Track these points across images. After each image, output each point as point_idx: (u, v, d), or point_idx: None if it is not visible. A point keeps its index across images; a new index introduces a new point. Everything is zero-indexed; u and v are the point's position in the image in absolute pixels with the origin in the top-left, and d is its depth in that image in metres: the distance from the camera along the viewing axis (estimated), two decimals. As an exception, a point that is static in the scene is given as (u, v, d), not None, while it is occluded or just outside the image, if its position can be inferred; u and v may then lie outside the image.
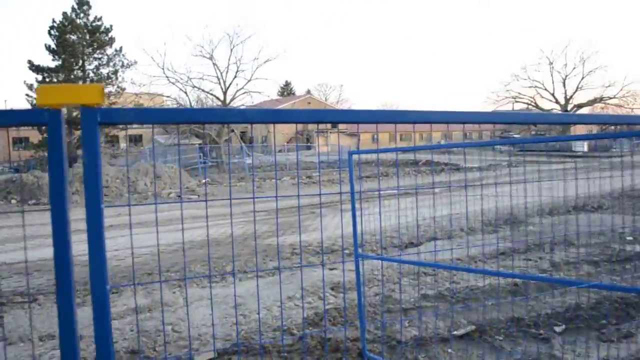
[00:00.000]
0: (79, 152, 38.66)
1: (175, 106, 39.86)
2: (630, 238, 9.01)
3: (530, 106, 67.34)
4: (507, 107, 69.15)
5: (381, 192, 6.18)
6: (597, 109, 67.35)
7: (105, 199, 18.17)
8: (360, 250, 4.36)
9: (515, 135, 68.88)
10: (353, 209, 4.20)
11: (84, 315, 5.54)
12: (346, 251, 8.56)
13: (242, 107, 42.40)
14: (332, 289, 6.26)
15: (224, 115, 1.92)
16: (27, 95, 37.70)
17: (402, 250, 8.50)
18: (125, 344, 4.70)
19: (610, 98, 60.40)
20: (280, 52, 35.08)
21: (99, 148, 1.52)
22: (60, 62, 38.34)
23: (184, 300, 6.02)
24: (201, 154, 34.30)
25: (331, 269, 7.34)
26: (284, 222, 12.39)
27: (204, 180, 23.93)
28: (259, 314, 5.19)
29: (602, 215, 11.28)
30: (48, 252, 9.71)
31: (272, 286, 6.50)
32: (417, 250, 8.28)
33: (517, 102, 65.08)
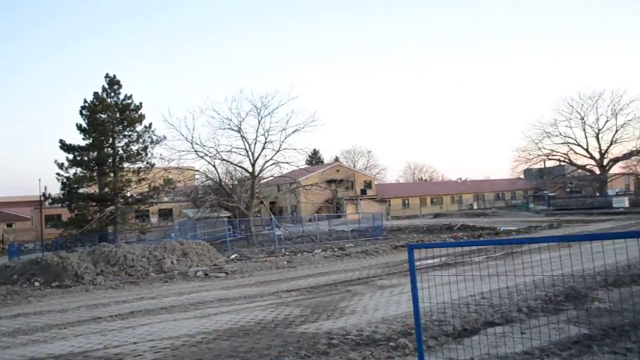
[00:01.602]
0: (109, 229, 38.52)
1: (205, 180, 39.76)
2: None
3: (563, 163, 65.55)
4: (539, 165, 67.54)
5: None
6: (635, 161, 65.12)
7: (130, 278, 17.44)
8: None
9: (549, 193, 66.98)
10: (415, 301, 3.29)
11: None
12: (391, 343, 7.44)
13: (271, 178, 42.17)
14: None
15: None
16: (57, 174, 38.01)
17: (456, 340, 7.34)
18: None
19: (648, 149, 58.10)
20: (308, 121, 34.74)
21: None
22: (90, 141, 38.86)
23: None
24: (230, 227, 33.63)
25: (378, 372, 6.24)
26: (318, 304, 11.32)
27: (232, 256, 23.07)
28: None
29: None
30: (62, 346, 8.84)
31: (309, 398, 5.44)
32: (475, 341, 7.10)
33: (549, 159, 63.29)
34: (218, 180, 37.95)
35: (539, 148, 62.30)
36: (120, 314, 11.67)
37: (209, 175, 38.48)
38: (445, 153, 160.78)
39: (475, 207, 73.78)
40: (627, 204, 48.89)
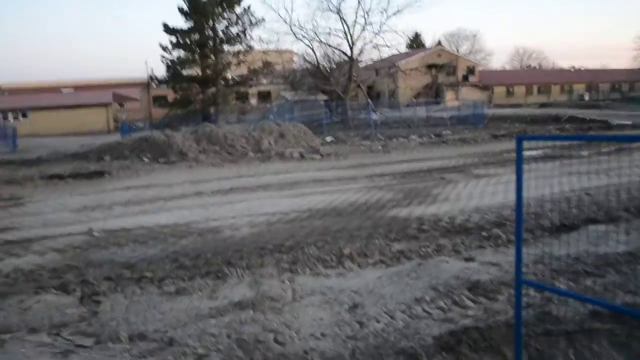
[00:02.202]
0: (211, 110, 39.95)
1: (303, 63, 39.56)
2: None
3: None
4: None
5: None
6: None
7: (230, 157, 18.20)
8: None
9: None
10: (519, 191, 3.12)
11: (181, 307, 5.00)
12: (483, 233, 7.31)
13: (370, 61, 41.15)
14: (470, 289, 5.13)
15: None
16: (162, 56, 39.20)
17: (553, 235, 7.07)
18: (217, 357, 4.00)
19: None
20: (411, 1, 32.84)
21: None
22: (192, 24, 39.31)
23: (293, 293, 5.25)
24: (327, 110, 33.71)
25: (467, 259, 6.18)
26: (411, 190, 11.28)
27: (328, 139, 23.29)
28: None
29: None
30: (168, 217, 9.53)
31: (397, 280, 5.52)
32: (574, 237, 6.79)
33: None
34: (316, 63, 37.61)
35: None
36: (221, 189, 12.30)
37: (307, 58, 38.18)
38: (558, 38, 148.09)
39: (586, 98, 68.65)
40: None
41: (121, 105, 52.93)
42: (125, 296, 5.44)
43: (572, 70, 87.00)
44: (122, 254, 7.18)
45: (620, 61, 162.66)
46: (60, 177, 15.19)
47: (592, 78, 79.35)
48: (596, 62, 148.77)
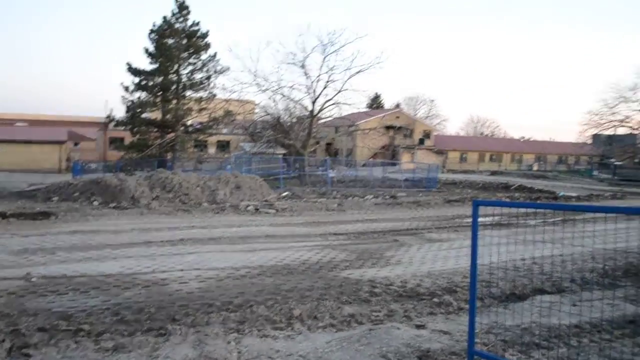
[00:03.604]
0: (168, 156, 39.51)
1: (264, 115, 39.87)
2: None
3: (636, 131, 61.95)
4: (610, 132, 64.09)
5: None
6: None
7: (184, 206, 17.87)
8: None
9: (616, 162, 63.92)
10: (474, 256, 3.10)
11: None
12: (435, 299, 7.29)
13: (330, 118, 41.82)
14: (420, 359, 5.04)
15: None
16: (122, 97, 38.85)
17: (503, 304, 7.11)
18: None
19: None
20: (373, 62, 34.01)
21: None
22: (156, 66, 39.30)
23: (238, 356, 5.04)
24: (285, 164, 33.83)
25: (418, 326, 6.11)
26: (364, 250, 11.25)
27: (284, 193, 23.23)
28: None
29: None
30: (113, 266, 9.15)
31: (347, 346, 5.37)
32: (523, 307, 6.84)
33: (622, 126, 59.84)
34: (277, 116, 37.99)
35: (613, 113, 58.85)
36: (171, 240, 11.97)
37: (269, 110, 38.55)
38: (510, 110, 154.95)
39: (535, 168, 71.28)
40: None
41: (76, 144, 51.78)
42: (58, 350, 5.10)
43: (522, 140, 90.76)
44: (60, 303, 6.80)
45: (567, 134, 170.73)
46: (2, 215, 14.54)
47: (541, 149, 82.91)
48: (545, 134, 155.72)
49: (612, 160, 66.44)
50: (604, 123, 59.84)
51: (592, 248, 10.70)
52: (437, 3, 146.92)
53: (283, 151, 41.43)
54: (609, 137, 69.60)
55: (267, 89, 36.15)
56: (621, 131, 63.53)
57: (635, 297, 7.60)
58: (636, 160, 68.05)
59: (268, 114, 38.90)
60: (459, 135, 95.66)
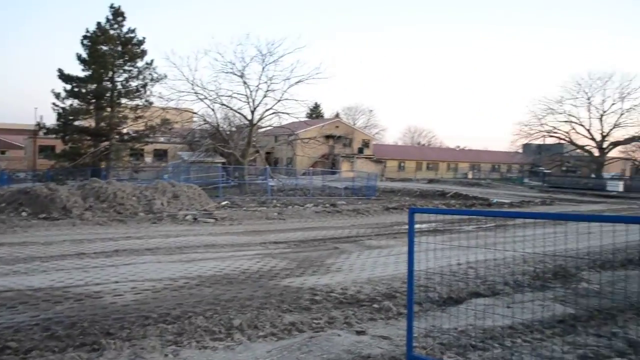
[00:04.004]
0: (102, 165, 38.23)
1: (202, 123, 39.30)
2: None
3: (563, 141, 65.19)
4: (539, 141, 67.09)
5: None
6: (634, 147, 65.02)
7: (119, 216, 17.31)
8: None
9: (545, 170, 66.95)
10: (410, 262, 3.12)
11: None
12: (375, 305, 7.35)
13: (270, 127, 41.69)
14: (361, 366, 5.06)
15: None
16: (53, 104, 37.32)
17: (441, 308, 7.26)
18: None
19: (648, 137, 57.83)
20: (312, 73, 34.35)
21: None
22: (90, 73, 38.02)
23: (176, 369, 4.90)
24: (224, 173, 33.44)
25: (359, 332, 6.13)
26: (305, 259, 11.23)
27: (223, 203, 22.92)
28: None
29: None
30: (43, 279, 8.71)
31: (288, 355, 5.31)
32: (460, 311, 7.00)
33: (550, 136, 62.81)
34: (216, 124, 37.54)
35: (542, 124, 61.72)
36: (105, 251, 11.55)
37: (207, 119, 38.07)
38: (446, 120, 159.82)
39: (470, 176, 73.63)
40: (621, 189, 48.79)
41: (3, 152, 49.29)
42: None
43: (458, 149, 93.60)
44: (-17, 320, 6.41)
45: (500, 144, 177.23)
46: None
47: (475, 158, 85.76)
48: (479, 144, 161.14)
49: (542, 168, 69.58)
50: (534, 133, 62.69)
51: (524, 252, 11.10)
52: (375, 16, 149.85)
53: (222, 160, 40.99)
54: (539, 146, 72.93)
55: (205, 98, 35.73)
56: (550, 141, 66.70)
57: (564, 298, 7.92)
58: (563, 168, 71.51)
59: (207, 123, 38.43)
60: (397, 144, 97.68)
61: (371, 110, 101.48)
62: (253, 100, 35.58)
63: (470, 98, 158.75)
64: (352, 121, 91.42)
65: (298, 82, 35.62)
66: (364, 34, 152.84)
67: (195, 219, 17.74)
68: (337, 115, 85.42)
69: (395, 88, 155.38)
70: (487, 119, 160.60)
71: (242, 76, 35.43)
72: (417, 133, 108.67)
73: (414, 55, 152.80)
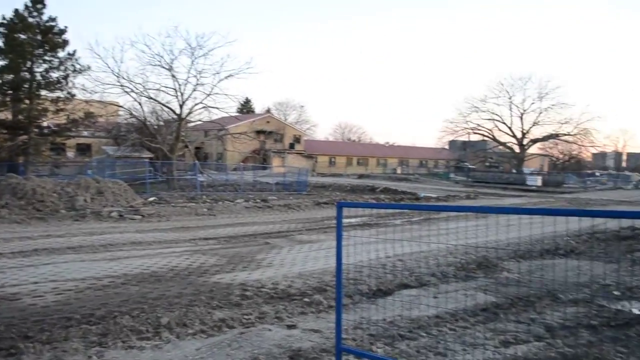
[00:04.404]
0: (20, 159, 36.26)
1: (128, 117, 38.00)
2: (618, 293, 8.18)
3: (486, 138, 68.00)
4: (464, 138, 69.63)
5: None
6: (551, 144, 68.96)
7: (38, 214, 16.51)
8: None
9: (470, 165, 69.59)
10: (339, 256, 3.13)
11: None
12: (306, 299, 7.37)
13: (199, 122, 40.92)
14: (292, 358, 5.05)
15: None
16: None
17: (371, 300, 7.38)
18: None
19: (565, 135, 61.47)
20: (243, 67, 33.96)
21: None
22: (6, 62, 35.89)
23: (100, 371, 4.72)
24: (152, 169, 32.54)
25: (290, 326, 6.13)
26: (235, 254, 11.12)
27: (150, 199, 22.30)
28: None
29: (580, 263, 10.48)
30: (-48, 281, 8.17)
31: (218, 352, 5.25)
32: (389, 302, 7.15)
33: (475, 133, 65.35)
34: (143, 118, 36.39)
35: (467, 121, 64.14)
36: (23, 250, 10.98)
37: (134, 112, 36.78)
38: (376, 116, 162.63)
39: (399, 171, 75.37)
40: (539, 183, 51.48)
41: None
42: None
43: (387, 145, 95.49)
44: None
45: (428, 140, 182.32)
46: None
47: (404, 154, 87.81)
48: (407, 140, 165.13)
49: (467, 163, 72.36)
50: (459, 130, 65.03)
51: (448, 244, 11.48)
52: (305, 10, 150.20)
53: (150, 155, 39.85)
54: (464, 143, 75.75)
55: (132, 91, 34.52)
56: (474, 138, 69.38)
57: (487, 287, 8.25)
58: (487, 164, 74.59)
59: (133, 117, 37.15)
60: (328, 140, 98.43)
61: (302, 106, 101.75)
62: (182, 94, 34.80)
63: (400, 95, 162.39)
64: (283, 117, 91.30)
65: (228, 76, 35.17)
66: (296, 29, 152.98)
67: (121, 215, 17.17)
68: (268, 111, 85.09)
69: (327, 84, 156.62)
70: (415, 116, 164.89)
71: (170, 69, 34.55)
72: (347, 129, 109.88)
73: (345, 52, 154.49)
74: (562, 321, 6.51)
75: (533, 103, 62.64)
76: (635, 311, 7.08)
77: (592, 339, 5.83)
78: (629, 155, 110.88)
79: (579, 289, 8.24)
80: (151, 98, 35.75)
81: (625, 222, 15.65)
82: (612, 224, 15.23)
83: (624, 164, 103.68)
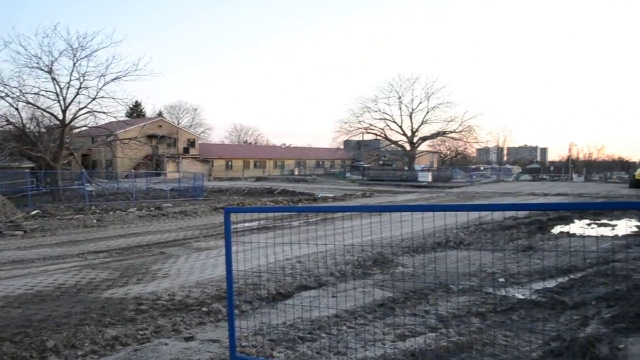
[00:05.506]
0: None
1: (4, 124, 35.24)
2: (502, 280, 8.76)
3: (379, 137, 70.33)
4: (358, 138, 71.55)
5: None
6: (439, 141, 72.80)
7: None
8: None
9: (365, 165, 71.62)
10: (229, 262, 3.08)
11: None
12: (204, 309, 7.20)
13: (85, 128, 38.76)
14: (190, 373, 4.91)
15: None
16: None
17: (270, 304, 7.36)
18: None
19: (451, 132, 65.06)
20: (130, 69, 32.55)
21: None
22: None
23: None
24: (33, 179, 30.41)
25: (187, 338, 5.95)
26: (129, 267, 10.64)
27: (33, 212, 20.82)
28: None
29: (470, 253, 11.11)
30: None
31: (109, 372, 4.99)
32: (289, 305, 7.15)
33: (368, 132, 67.43)
34: (21, 125, 33.90)
35: (360, 121, 66.10)
36: None
37: (10, 119, 34.18)
38: (271, 118, 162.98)
39: (296, 172, 75.95)
40: (430, 179, 54.08)
41: None
42: None
43: (284, 147, 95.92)
44: None
45: (323, 141, 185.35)
46: None
47: (301, 155, 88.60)
48: (304, 141, 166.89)
49: (361, 163, 74.36)
50: (353, 130, 66.83)
51: (344, 244, 11.73)
52: (199, 11, 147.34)
53: (31, 164, 37.23)
54: (358, 142, 77.83)
55: (7, 95, 32.07)
56: (368, 137, 71.53)
57: (383, 283, 8.51)
58: (381, 162, 77.06)
59: (10, 124, 34.50)
60: (223, 143, 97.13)
61: (196, 109, 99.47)
62: (64, 98, 32.86)
63: (295, 96, 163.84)
64: (176, 120, 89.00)
65: (115, 79, 33.72)
66: (188, 30, 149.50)
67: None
68: (159, 114, 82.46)
69: (221, 86, 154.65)
70: (310, 117, 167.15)
71: (50, 72, 32.50)
72: (243, 131, 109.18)
73: (238, 53, 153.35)
74: (454, 311, 6.86)
75: (421, 102, 65.91)
76: (519, 296, 7.61)
77: (482, 325, 6.18)
78: (509, 149, 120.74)
79: (469, 279, 8.72)
80: (30, 103, 33.53)
81: (508, 214, 16.86)
82: (497, 215, 16.32)
83: (505, 158, 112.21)
